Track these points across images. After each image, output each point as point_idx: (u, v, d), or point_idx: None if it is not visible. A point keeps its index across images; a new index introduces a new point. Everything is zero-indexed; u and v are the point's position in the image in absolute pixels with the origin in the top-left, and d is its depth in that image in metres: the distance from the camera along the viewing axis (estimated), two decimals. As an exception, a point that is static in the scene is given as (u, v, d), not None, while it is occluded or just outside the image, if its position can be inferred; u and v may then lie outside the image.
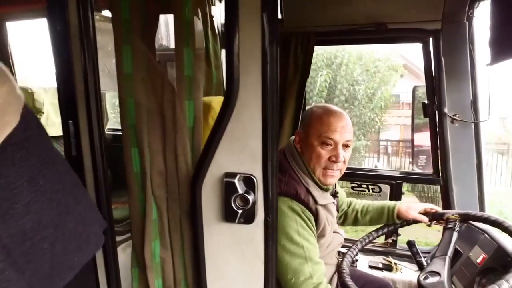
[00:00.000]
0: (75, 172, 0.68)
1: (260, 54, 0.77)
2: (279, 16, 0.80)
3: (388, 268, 1.65)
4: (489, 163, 7.34)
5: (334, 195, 1.24)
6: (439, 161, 1.65)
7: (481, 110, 1.54)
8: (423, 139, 1.83)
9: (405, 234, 1.77)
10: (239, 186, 0.83)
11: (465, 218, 1.23)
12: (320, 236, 1.12)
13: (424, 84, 1.69)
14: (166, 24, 1.79)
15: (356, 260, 1.63)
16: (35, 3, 1.82)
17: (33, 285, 0.49)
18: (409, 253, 1.39)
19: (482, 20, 1.46)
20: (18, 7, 1.88)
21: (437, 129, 1.61)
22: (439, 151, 1.63)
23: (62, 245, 0.54)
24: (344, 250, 1.28)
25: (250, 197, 0.83)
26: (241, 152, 0.83)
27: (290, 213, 1.03)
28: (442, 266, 1.03)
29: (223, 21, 1.55)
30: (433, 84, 1.60)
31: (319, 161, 1.09)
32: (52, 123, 1.90)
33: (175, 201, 0.93)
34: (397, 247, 1.79)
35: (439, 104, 1.56)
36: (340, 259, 1.19)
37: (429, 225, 1.32)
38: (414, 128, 1.94)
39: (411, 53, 8.64)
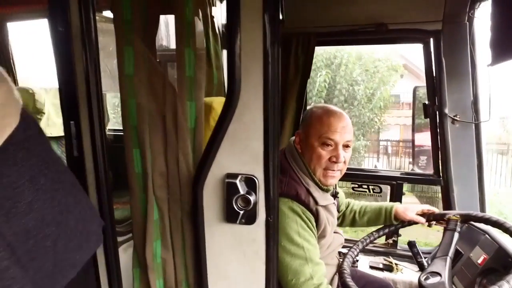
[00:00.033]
0: (76, 172, 0.68)
1: (261, 55, 0.77)
2: (280, 17, 0.80)
3: (388, 268, 1.65)
4: (489, 163, 7.34)
5: (335, 195, 1.24)
6: (440, 162, 1.65)
7: (481, 110, 1.55)
8: (424, 139, 1.83)
9: (406, 234, 1.77)
10: (241, 186, 0.83)
11: (466, 218, 1.23)
12: (321, 236, 1.12)
13: (425, 84, 1.69)
14: (167, 24, 1.79)
15: (357, 260, 1.63)
16: (37, 4, 1.82)
17: (36, 283, 0.49)
18: (410, 253, 1.39)
19: (482, 21, 1.46)
20: (19, 7, 1.88)
21: (438, 130, 1.61)
22: (439, 152, 1.63)
23: (64, 243, 0.54)
24: (344, 250, 1.28)
25: (252, 198, 0.83)
26: (242, 153, 0.83)
27: (290, 214, 1.03)
28: (443, 267, 1.03)
29: (223, 21, 1.55)
30: (434, 85, 1.60)
31: (320, 161, 1.09)
32: (53, 123, 1.89)
33: (176, 202, 0.92)
34: (398, 247, 1.78)
35: (440, 105, 1.56)
36: (341, 260, 1.19)
37: (429, 226, 1.33)
38: (415, 128, 1.94)
39: (411, 53, 8.66)
